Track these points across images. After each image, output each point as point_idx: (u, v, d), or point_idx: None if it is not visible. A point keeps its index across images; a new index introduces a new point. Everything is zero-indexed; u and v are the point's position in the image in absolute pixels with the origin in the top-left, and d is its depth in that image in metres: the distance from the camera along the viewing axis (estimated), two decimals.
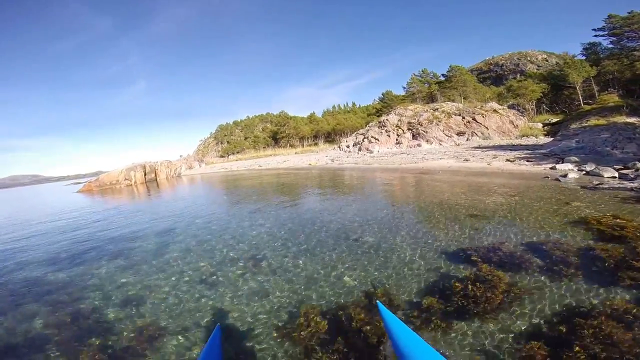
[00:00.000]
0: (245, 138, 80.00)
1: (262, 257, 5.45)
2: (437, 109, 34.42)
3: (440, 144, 28.92)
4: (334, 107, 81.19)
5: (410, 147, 28.71)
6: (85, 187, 32.48)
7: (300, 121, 71.16)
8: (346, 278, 4.33)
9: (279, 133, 68.96)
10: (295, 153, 47.92)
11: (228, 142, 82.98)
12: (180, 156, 68.68)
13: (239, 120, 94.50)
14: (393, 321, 1.82)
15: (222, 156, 76.17)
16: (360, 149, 31.92)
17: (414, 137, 30.66)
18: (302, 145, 59.69)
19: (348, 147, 35.26)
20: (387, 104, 56.56)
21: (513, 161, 15.30)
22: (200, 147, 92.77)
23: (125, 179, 33.30)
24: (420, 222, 6.56)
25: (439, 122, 31.44)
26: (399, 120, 33.51)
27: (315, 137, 63.39)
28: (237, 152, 72.94)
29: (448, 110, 33.56)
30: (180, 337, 3.42)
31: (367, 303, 3.59)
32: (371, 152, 28.81)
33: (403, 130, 31.57)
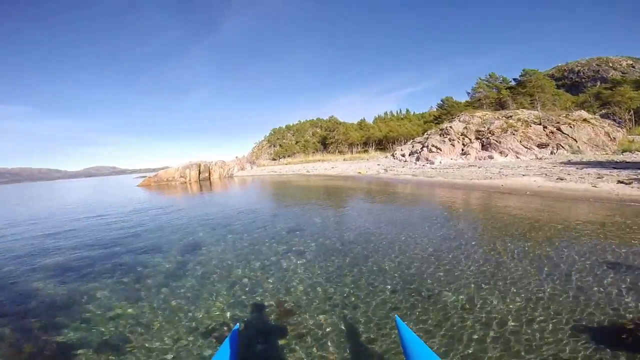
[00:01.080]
0: (296, 142, 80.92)
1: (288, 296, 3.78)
2: (511, 116, 30.00)
3: (518, 157, 24.82)
4: (385, 113, 78.08)
5: (480, 159, 25.04)
6: (144, 181, 34.60)
7: (349, 127, 69.59)
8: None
9: (328, 138, 68.10)
10: (344, 160, 46.18)
11: (280, 145, 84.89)
12: (236, 157, 71.55)
13: (291, 125, 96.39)
14: (410, 337, 1.75)
15: (273, 159, 78.11)
16: (418, 159, 28.96)
17: (483, 147, 26.83)
18: (351, 152, 57.78)
19: (403, 155, 32.41)
20: (447, 110, 52.32)
21: (629, 183, 11.60)
22: (254, 149, 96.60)
23: (181, 177, 34.73)
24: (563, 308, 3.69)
25: (515, 131, 27.17)
26: (465, 128, 29.83)
27: (365, 144, 61.07)
28: (288, 156, 73.83)
29: (525, 118, 28.99)
30: None
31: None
32: (432, 162, 25.75)
33: (470, 140, 27.86)
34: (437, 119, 52.26)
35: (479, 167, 20.37)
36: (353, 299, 4.00)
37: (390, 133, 53.12)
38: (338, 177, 26.82)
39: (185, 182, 34.16)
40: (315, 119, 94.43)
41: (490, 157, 25.23)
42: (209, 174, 40.06)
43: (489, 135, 27.28)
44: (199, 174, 37.08)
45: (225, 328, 3.45)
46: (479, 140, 27.70)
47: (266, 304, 3.99)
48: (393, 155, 34.99)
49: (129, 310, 4.03)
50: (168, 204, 15.69)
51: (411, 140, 37.81)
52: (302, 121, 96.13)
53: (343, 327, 3.35)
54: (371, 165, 32.41)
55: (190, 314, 3.81)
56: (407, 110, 74.90)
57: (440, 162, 25.75)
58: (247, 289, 4.48)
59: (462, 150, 27.42)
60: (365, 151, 55.80)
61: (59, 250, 7.39)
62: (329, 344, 3.08)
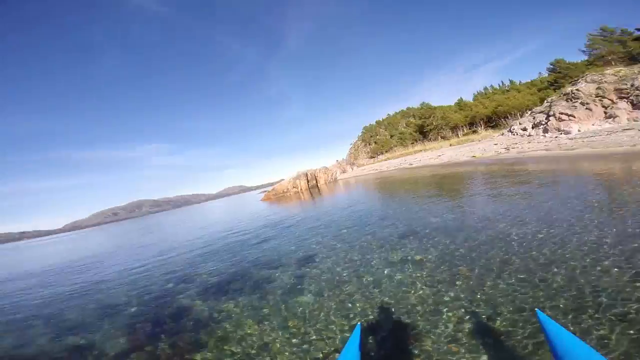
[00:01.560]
0: (391, 136, 78.82)
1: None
2: None
3: None
4: (485, 89, 68.03)
5: (636, 120, 19.52)
6: (265, 196, 40.06)
7: (447, 110, 63.79)
8: None
9: (425, 126, 64.10)
10: (450, 145, 42.61)
11: (375, 142, 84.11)
12: (337, 161, 74.75)
13: (381, 120, 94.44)
14: (556, 330, 1.61)
15: (371, 157, 77.62)
16: (546, 130, 24.32)
17: (634, 106, 20.87)
18: (457, 136, 52.79)
19: (525, 129, 27.71)
20: (562, 74, 42.94)
21: None
22: (351, 150, 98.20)
23: (293, 187, 38.83)
24: None
25: None
26: (598, 88, 23.68)
27: (472, 124, 54.82)
28: (386, 151, 72.72)
29: None
30: None
31: None
32: (567, 132, 21.26)
33: (612, 101, 21.98)
34: (554, 84, 43.20)
35: (639, 130, 16.04)
36: (498, 323, 3.20)
37: (500, 108, 46.11)
38: (449, 165, 25.12)
39: (298, 191, 38.17)
40: (405, 109, 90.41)
41: None
42: (316, 181, 43.49)
43: (638, 92, 21.02)
44: (308, 182, 40.77)
45: (336, 348, 3.46)
46: (625, 100, 21.60)
47: (379, 327, 3.71)
48: (511, 131, 30.31)
49: (255, 329, 4.36)
50: (284, 215, 16.96)
51: (529, 112, 32.10)
52: (391, 114, 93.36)
53: None
54: (486, 146, 29.03)
55: (305, 336, 3.89)
56: (511, 82, 63.77)
57: (579, 131, 21.10)
58: (358, 309, 4.26)
59: (605, 113, 21.82)
60: (474, 132, 50.13)
61: (204, 267, 8.70)
62: None
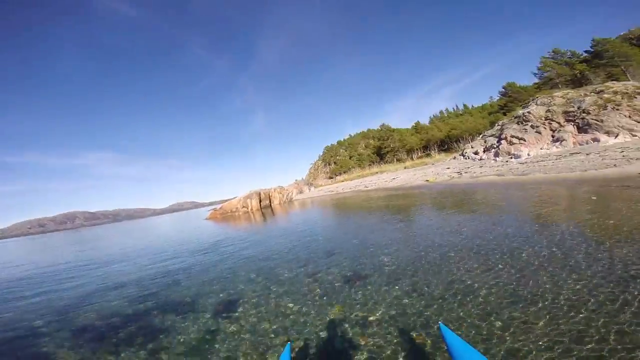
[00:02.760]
0: (350, 157, 79.39)
1: None
2: (603, 90, 24.10)
3: (634, 135, 19.44)
4: (441, 112, 72.15)
5: (581, 144, 20.14)
6: (211, 214, 36.21)
7: (405, 132, 65.81)
8: None
9: (383, 148, 65.12)
10: (405, 168, 42.84)
11: (335, 162, 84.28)
12: (295, 181, 72.57)
13: (343, 140, 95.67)
14: (458, 344, 1.71)
15: (330, 177, 77.30)
16: (497, 154, 24.71)
17: (580, 130, 21.75)
18: (412, 158, 53.87)
19: (477, 153, 28.22)
20: (512, 97, 46.28)
21: None
22: (311, 170, 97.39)
23: (243, 207, 35.57)
24: None
25: (618, 105, 21.55)
26: (548, 111, 24.83)
27: (426, 147, 56.58)
28: (344, 172, 72.54)
29: (624, 90, 22.97)
30: None
31: None
32: (517, 156, 21.51)
33: (560, 124, 22.90)
34: (504, 108, 46.26)
35: (587, 154, 16.07)
36: None
37: (453, 131, 48.19)
38: (402, 189, 24.21)
39: (248, 211, 34.93)
40: (366, 130, 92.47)
41: (595, 140, 20.11)
42: (270, 201, 40.58)
43: (584, 115, 22.08)
44: (260, 202, 37.71)
45: None
46: (572, 123, 22.60)
47: None
48: (463, 155, 30.88)
49: None
50: (224, 238, 15.07)
51: (480, 135, 33.19)
52: (352, 135, 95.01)
53: None
54: (439, 169, 28.91)
55: None
56: (465, 106, 68.08)
57: (529, 155, 21.37)
58: None
59: (553, 137, 22.56)
60: (428, 155, 51.52)
61: (90, 303, 6.66)
62: None
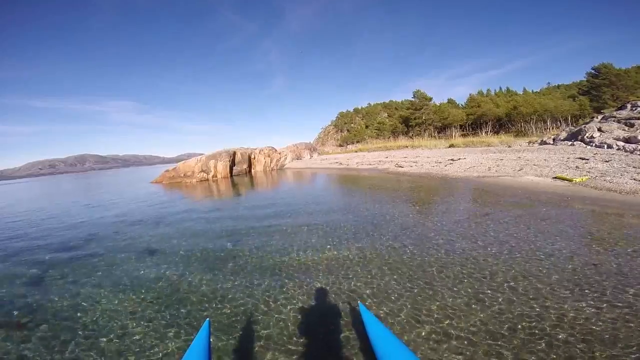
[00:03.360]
0: (367, 126, 65.76)
1: None
2: None
3: None
4: (480, 92, 56.64)
5: None
6: (160, 177, 24.21)
7: (443, 104, 51.46)
8: None
9: (412, 119, 51.15)
10: (451, 146, 29.68)
11: (348, 130, 70.90)
12: (294, 144, 60.33)
13: (360, 108, 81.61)
14: (374, 324, 1.83)
15: (340, 145, 64.83)
16: None
17: None
18: (453, 136, 40.26)
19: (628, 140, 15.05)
20: (608, 81, 32.28)
21: None
22: (320, 134, 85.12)
23: (202, 171, 23.25)
24: None
25: None
26: None
27: (473, 125, 42.80)
28: (357, 142, 59.43)
29: None
30: None
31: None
32: None
33: None
34: (590, 92, 32.64)
35: None
36: None
37: (522, 109, 34.11)
38: (525, 192, 11.90)
39: (207, 179, 22.88)
40: (387, 101, 77.76)
41: None
42: (250, 166, 28.27)
43: None
44: (232, 166, 25.43)
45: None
46: None
47: None
48: (581, 140, 17.60)
49: None
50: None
51: (599, 117, 19.90)
52: (372, 104, 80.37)
53: None
54: (538, 157, 16.05)
55: None
56: (524, 89, 52.46)
57: None
58: None
59: None
60: (474, 134, 37.96)
61: None
62: None
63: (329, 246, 6.24)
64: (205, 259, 6.09)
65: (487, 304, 3.66)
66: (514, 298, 3.76)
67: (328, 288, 4.41)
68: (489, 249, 5.51)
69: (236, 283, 4.81)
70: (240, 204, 12.56)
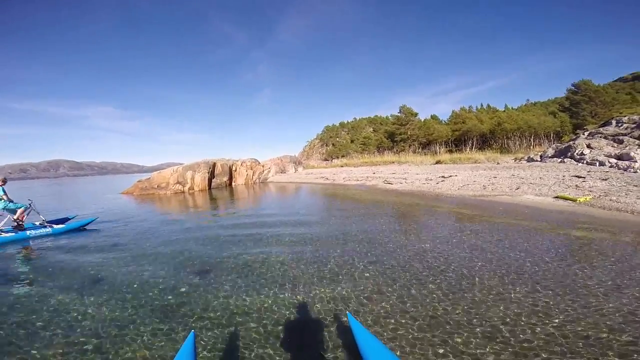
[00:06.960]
0: (352, 141, 65.61)
1: None
2: None
3: None
4: (462, 108, 57.96)
5: None
6: (131, 187, 22.16)
7: (428, 121, 51.99)
8: None
9: (397, 134, 51.20)
10: (438, 162, 29.32)
11: (333, 144, 70.59)
12: (278, 157, 58.97)
13: (346, 122, 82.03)
14: (362, 333, 1.82)
15: (325, 159, 64.28)
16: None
17: None
18: (437, 152, 40.23)
19: (621, 158, 14.73)
20: (587, 97, 33.61)
21: None
22: (305, 148, 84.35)
23: (178, 183, 21.47)
24: None
25: None
26: None
27: (457, 142, 43.10)
28: (342, 156, 58.94)
29: None
30: None
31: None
32: None
33: None
34: (570, 109, 33.82)
35: None
36: None
37: (506, 125, 34.54)
38: (535, 213, 11.01)
39: (183, 191, 21.09)
40: (373, 116, 78.67)
41: None
42: (231, 178, 26.64)
43: None
44: (212, 178, 23.76)
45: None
46: None
47: None
48: (571, 157, 17.38)
49: None
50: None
51: (585, 133, 19.93)
52: (357, 118, 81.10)
53: None
54: (532, 175, 15.51)
55: None
56: (506, 105, 54.17)
57: None
58: None
59: None
60: (458, 150, 38.03)
61: None
62: None
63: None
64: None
65: None
66: None
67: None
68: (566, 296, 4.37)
69: None
70: (209, 224, 11.02)
